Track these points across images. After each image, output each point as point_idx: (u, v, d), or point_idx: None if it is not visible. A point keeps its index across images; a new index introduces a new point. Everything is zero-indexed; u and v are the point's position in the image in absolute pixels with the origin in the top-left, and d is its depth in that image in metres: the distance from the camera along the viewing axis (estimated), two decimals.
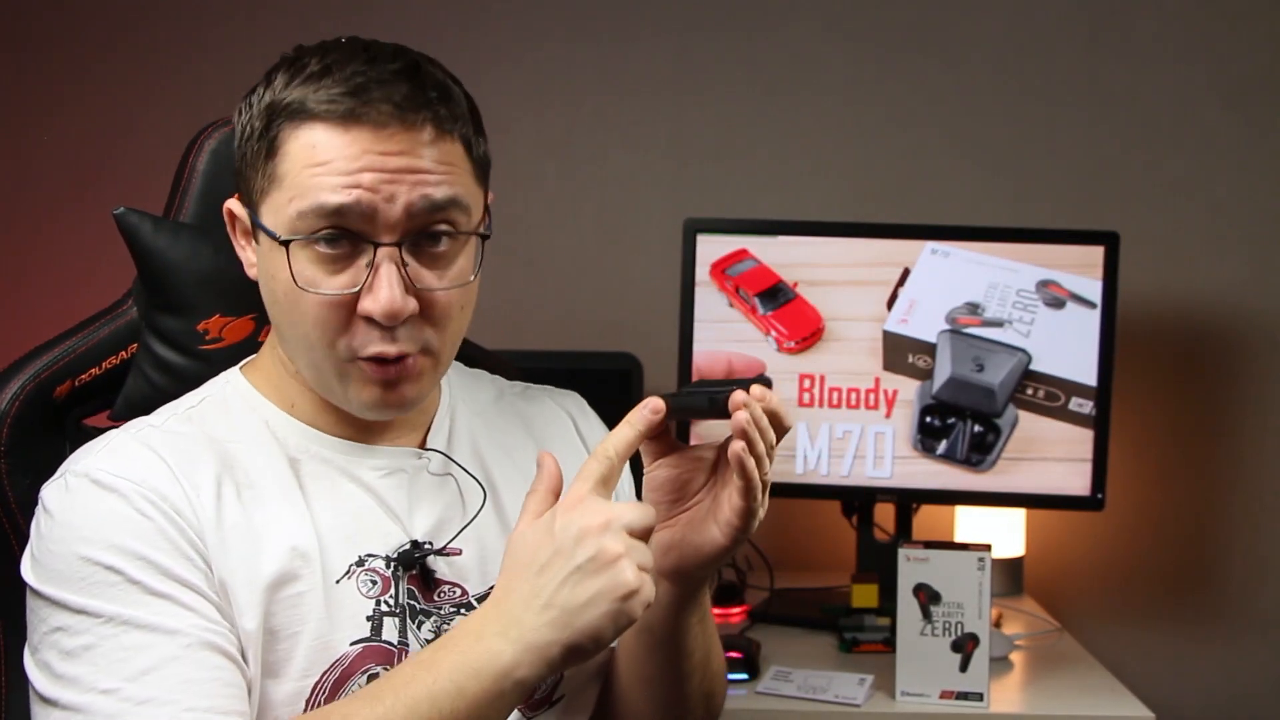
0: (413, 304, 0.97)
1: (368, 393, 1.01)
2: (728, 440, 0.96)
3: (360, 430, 1.08)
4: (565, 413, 1.23)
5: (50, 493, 0.98)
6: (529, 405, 1.22)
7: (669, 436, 1.03)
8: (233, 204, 1.06)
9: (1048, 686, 1.70)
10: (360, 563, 1.02)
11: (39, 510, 0.98)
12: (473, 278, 1.02)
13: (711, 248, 1.89)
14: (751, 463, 0.94)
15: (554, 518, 0.91)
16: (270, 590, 0.97)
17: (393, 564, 1.03)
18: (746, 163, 2.21)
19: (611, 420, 1.29)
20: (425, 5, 2.20)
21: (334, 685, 0.99)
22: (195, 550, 0.95)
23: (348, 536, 1.03)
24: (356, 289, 0.97)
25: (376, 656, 1.01)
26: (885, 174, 2.21)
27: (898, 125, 2.20)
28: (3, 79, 2.23)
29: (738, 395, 0.94)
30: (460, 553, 1.07)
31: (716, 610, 1.98)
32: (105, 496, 0.95)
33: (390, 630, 1.02)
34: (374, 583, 1.02)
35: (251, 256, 1.05)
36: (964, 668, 1.57)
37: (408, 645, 1.02)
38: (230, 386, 1.09)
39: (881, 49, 2.20)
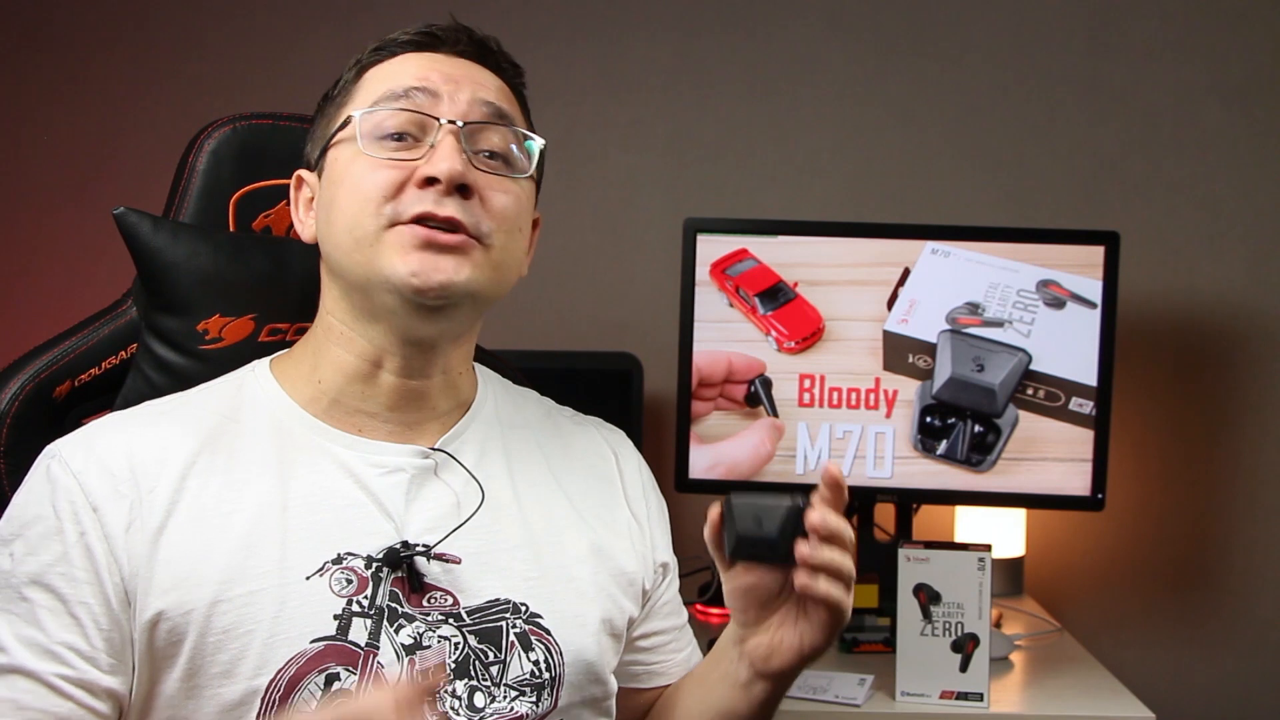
0: (472, 176, 1.04)
1: (406, 261, 1.02)
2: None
3: (373, 424, 1.08)
4: (608, 445, 1.24)
5: (43, 453, 1.03)
6: (577, 428, 1.23)
7: None
8: (302, 171, 1.12)
9: (1048, 686, 1.70)
10: (338, 560, 1.01)
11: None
12: (528, 175, 1.12)
13: (711, 248, 1.88)
14: (821, 587, 1.02)
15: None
16: (220, 588, 0.97)
17: (375, 564, 1.02)
18: (746, 163, 2.21)
19: (614, 418, 1.29)
20: (425, 6, 2.20)
21: (289, 683, 0.97)
22: (89, 564, 0.97)
23: (327, 533, 1.02)
24: (419, 158, 1.03)
25: (338, 656, 0.99)
26: (885, 174, 2.21)
27: (898, 125, 2.20)
28: (3, 79, 2.23)
29: (800, 549, 1.02)
30: (459, 561, 1.05)
31: (716, 610, 1.98)
32: (43, 484, 1.00)
33: (359, 631, 1.00)
34: (348, 581, 1.01)
35: (312, 224, 1.10)
36: (964, 668, 1.57)
37: (378, 648, 1.00)
38: (251, 374, 1.11)
39: (881, 49, 2.20)
